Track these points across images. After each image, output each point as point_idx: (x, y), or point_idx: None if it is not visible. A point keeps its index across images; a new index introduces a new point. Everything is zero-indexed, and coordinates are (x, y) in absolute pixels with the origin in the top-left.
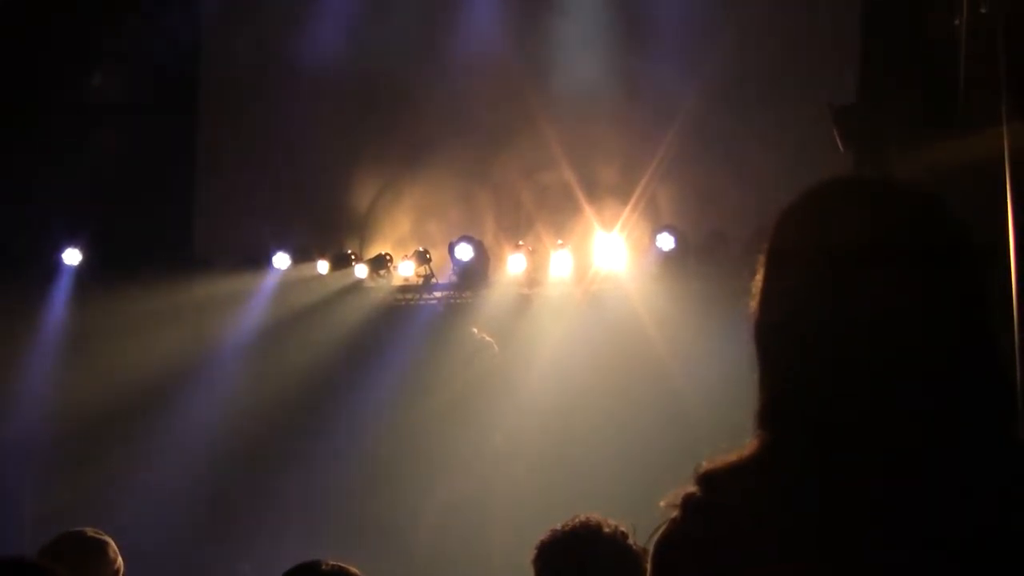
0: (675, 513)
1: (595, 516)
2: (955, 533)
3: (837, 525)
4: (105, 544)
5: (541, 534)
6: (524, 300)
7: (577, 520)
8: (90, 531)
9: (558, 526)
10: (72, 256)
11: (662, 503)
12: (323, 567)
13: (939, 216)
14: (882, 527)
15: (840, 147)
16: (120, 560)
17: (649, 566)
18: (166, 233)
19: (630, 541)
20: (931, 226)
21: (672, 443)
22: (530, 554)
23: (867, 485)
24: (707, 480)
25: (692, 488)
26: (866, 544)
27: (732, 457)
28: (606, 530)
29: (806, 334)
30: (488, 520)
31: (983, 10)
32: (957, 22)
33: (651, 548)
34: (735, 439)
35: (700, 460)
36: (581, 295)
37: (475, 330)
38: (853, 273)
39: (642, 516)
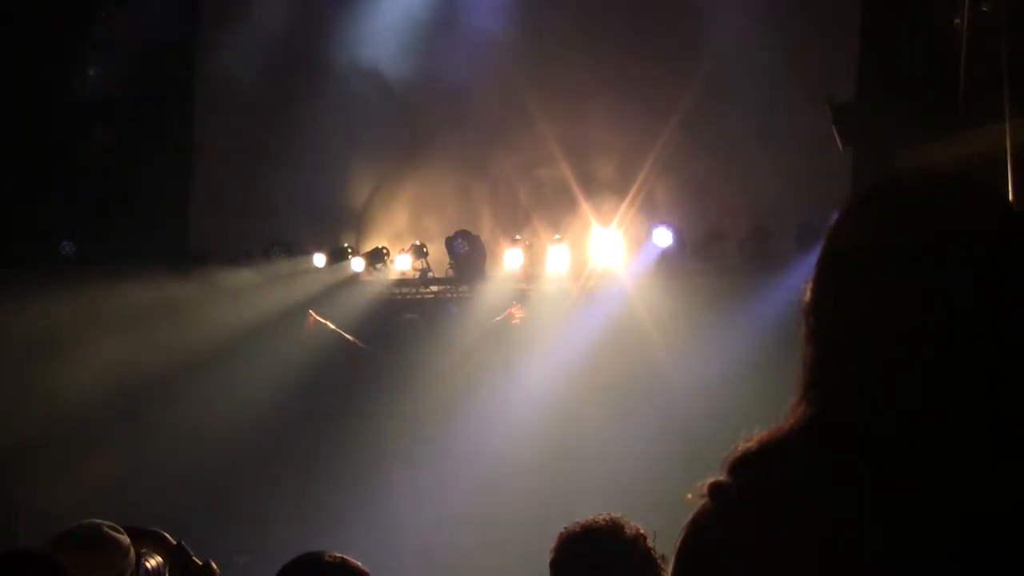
0: (704, 504)
1: (618, 515)
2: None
3: (877, 522)
4: (117, 539)
5: (552, 527)
6: (521, 295)
7: (599, 517)
8: (106, 526)
9: (579, 521)
10: (68, 250)
11: (689, 495)
12: (326, 558)
13: (1001, 211)
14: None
15: (840, 145)
16: (132, 555)
17: (674, 560)
18: (162, 227)
19: (650, 543)
20: (992, 222)
21: (668, 437)
22: (541, 546)
23: (906, 484)
24: (739, 466)
25: (722, 476)
26: (903, 542)
27: (766, 436)
28: (627, 531)
29: (862, 326)
30: (487, 514)
31: (985, 8)
32: (958, 20)
33: (678, 541)
34: (731, 433)
35: (695, 455)
36: (578, 290)
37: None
38: (912, 269)
39: (640, 508)
